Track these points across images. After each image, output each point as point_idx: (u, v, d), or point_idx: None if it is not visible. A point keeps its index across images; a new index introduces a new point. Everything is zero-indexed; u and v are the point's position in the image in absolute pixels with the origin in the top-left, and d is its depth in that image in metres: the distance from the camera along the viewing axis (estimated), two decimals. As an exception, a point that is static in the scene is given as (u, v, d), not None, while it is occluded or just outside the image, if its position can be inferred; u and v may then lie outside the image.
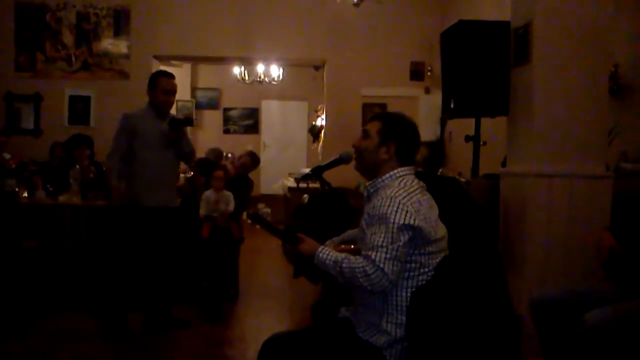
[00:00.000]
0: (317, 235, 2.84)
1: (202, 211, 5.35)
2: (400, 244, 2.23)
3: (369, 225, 2.32)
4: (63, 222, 5.25)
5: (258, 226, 2.51)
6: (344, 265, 2.28)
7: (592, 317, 2.78)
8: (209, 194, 5.43)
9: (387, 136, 2.43)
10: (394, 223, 2.23)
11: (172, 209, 4.54)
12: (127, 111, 4.60)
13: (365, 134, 2.48)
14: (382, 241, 2.23)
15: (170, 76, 4.54)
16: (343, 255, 2.33)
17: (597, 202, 3.88)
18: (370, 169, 2.48)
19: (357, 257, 2.29)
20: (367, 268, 2.22)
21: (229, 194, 5.50)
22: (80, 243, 5.24)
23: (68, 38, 8.53)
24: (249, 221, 2.51)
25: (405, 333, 2.29)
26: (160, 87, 4.46)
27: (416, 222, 2.25)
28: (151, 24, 8.59)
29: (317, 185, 5.16)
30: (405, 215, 2.24)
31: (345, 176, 5.02)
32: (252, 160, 6.15)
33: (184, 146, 4.49)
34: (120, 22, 8.54)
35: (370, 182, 2.46)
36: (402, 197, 2.28)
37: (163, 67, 9.77)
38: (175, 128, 4.38)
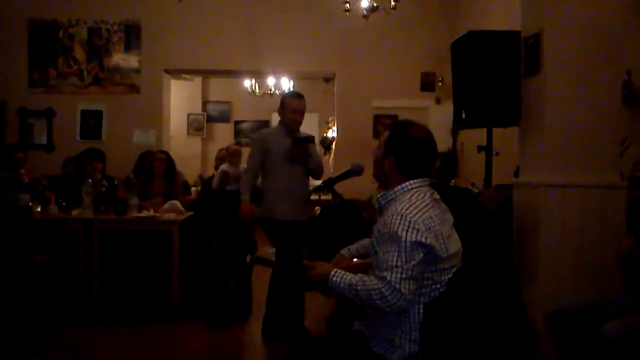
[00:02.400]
0: (330, 247, 2.83)
1: (216, 183, 5.43)
2: (415, 262, 2.19)
3: (380, 243, 2.28)
4: (76, 236, 5.27)
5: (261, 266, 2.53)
6: (359, 288, 2.24)
7: (610, 328, 2.74)
8: (225, 167, 5.51)
9: (389, 148, 2.40)
10: (406, 241, 2.19)
11: (302, 222, 4.69)
12: (261, 130, 4.88)
13: (379, 144, 2.48)
14: (396, 261, 2.19)
15: (298, 96, 4.79)
16: (357, 277, 2.28)
17: (611, 212, 3.83)
18: (381, 179, 2.48)
19: (372, 277, 2.25)
20: (384, 290, 2.18)
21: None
22: (93, 256, 5.26)
23: (80, 53, 8.60)
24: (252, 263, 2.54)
25: (419, 348, 2.27)
26: (289, 106, 4.68)
27: (427, 240, 2.21)
28: (161, 38, 8.65)
29: (329, 197, 5.16)
30: (417, 233, 2.20)
31: (357, 188, 5.02)
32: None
33: (310, 163, 4.65)
34: (131, 37, 8.61)
35: (382, 194, 2.43)
36: (412, 214, 2.24)
37: (174, 81, 9.85)
38: (297, 146, 4.59)
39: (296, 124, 4.72)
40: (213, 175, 6.27)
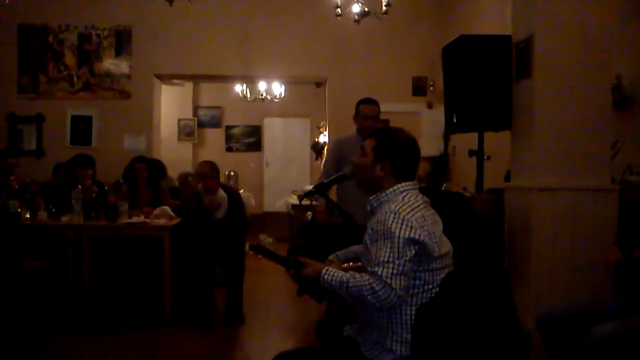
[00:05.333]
0: (321, 252, 2.81)
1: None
2: (407, 258, 2.20)
3: (373, 241, 2.29)
4: (65, 242, 5.23)
5: (260, 256, 2.52)
6: (350, 284, 2.25)
7: (599, 331, 2.74)
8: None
9: (382, 153, 2.43)
10: (399, 238, 2.21)
11: None
12: (337, 137, 4.88)
13: (363, 151, 2.49)
14: (388, 257, 2.20)
15: (370, 102, 4.75)
16: (348, 274, 2.29)
17: (602, 215, 3.84)
18: (370, 185, 2.47)
19: (363, 274, 2.26)
20: (375, 285, 2.18)
21: (222, 195, 5.55)
22: (83, 263, 5.22)
23: (70, 59, 8.57)
24: (252, 252, 2.53)
25: (411, 351, 2.26)
26: (361, 112, 4.70)
27: (421, 237, 2.23)
28: (152, 43, 8.63)
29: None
30: (410, 230, 2.22)
31: (348, 192, 5.02)
32: (211, 168, 5.77)
33: None
34: (122, 42, 8.59)
35: (374, 196, 2.44)
36: (406, 212, 2.26)
37: (165, 86, 9.83)
38: None
39: (367, 130, 4.64)
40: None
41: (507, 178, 4.54)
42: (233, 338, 5.08)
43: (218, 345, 4.78)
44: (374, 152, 2.44)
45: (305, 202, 6.67)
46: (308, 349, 2.64)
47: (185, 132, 12.92)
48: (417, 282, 2.27)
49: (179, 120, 12.83)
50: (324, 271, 2.34)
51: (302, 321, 5.43)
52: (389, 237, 2.22)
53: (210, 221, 5.44)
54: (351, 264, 2.64)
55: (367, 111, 4.70)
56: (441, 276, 2.30)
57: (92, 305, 5.22)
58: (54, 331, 4.96)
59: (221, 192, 5.61)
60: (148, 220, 5.37)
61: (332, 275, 2.31)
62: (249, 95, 11.40)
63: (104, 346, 4.69)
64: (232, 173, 10.82)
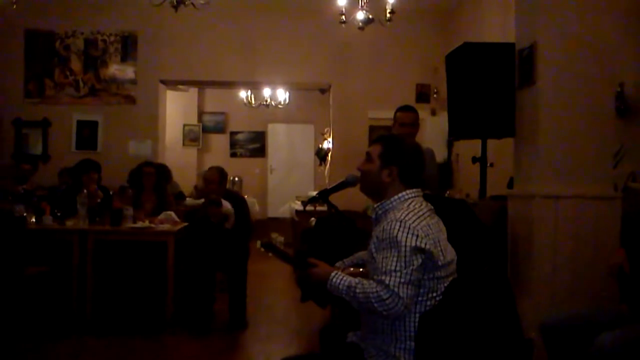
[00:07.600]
0: (325, 259, 2.83)
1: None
2: (414, 267, 2.20)
3: (379, 250, 2.29)
4: (70, 247, 5.25)
5: (270, 254, 2.51)
6: (357, 290, 2.25)
7: (603, 340, 2.74)
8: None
9: (389, 159, 2.43)
10: (405, 246, 2.21)
11: None
12: None
13: (368, 157, 2.48)
14: (395, 265, 2.20)
15: (407, 109, 4.66)
16: (356, 280, 2.29)
17: (604, 223, 3.85)
18: (375, 191, 2.47)
19: (370, 281, 2.26)
20: (382, 293, 2.19)
21: (228, 208, 5.57)
22: (87, 267, 5.23)
23: (76, 64, 8.62)
24: (262, 249, 2.52)
25: (414, 359, 2.27)
26: (397, 120, 4.62)
27: (427, 245, 2.23)
28: (158, 49, 8.68)
29: (324, 208, 5.16)
30: (416, 239, 2.22)
31: (352, 199, 5.03)
32: (219, 174, 5.79)
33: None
34: (128, 48, 8.64)
35: (379, 204, 2.44)
36: (411, 220, 2.26)
37: (170, 92, 9.87)
38: None
39: (405, 137, 4.68)
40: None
41: (510, 185, 4.55)
42: (236, 344, 5.08)
43: (221, 351, 4.79)
44: (381, 158, 2.44)
45: (309, 208, 6.69)
46: (311, 356, 2.65)
47: (190, 138, 12.96)
48: (422, 290, 2.27)
49: (184, 125, 12.87)
50: (333, 274, 2.34)
51: (306, 327, 5.42)
52: (396, 245, 2.22)
53: (219, 231, 5.45)
54: (361, 270, 2.64)
55: (404, 118, 4.60)
56: (445, 284, 2.31)
57: (95, 310, 5.23)
58: (57, 335, 4.96)
59: (227, 205, 5.50)
60: (152, 225, 5.39)
61: (341, 279, 2.32)
62: (253, 101, 11.43)
63: (107, 351, 4.70)
64: (236, 179, 10.85)
